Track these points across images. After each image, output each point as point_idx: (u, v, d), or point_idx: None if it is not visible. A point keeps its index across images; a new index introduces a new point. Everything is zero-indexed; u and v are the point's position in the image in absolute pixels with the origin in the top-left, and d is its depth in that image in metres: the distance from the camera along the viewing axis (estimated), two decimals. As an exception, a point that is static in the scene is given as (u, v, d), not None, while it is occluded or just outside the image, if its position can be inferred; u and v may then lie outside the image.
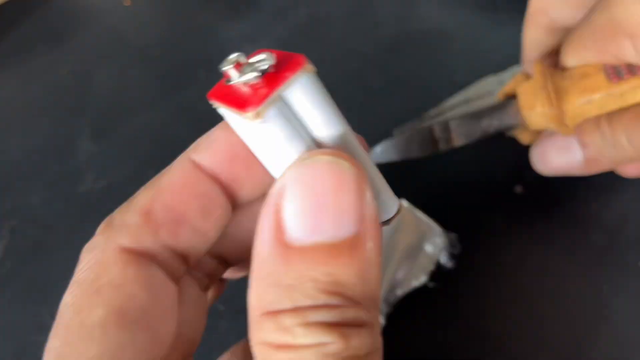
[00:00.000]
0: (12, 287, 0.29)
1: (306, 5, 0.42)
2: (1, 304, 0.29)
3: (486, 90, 0.33)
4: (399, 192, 0.15)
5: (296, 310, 0.11)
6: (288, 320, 0.11)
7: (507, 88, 0.26)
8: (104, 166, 0.34)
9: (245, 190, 0.16)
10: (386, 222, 0.15)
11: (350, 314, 0.11)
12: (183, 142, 0.38)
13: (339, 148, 0.13)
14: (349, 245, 0.12)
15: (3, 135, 0.36)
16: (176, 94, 0.37)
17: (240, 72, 0.13)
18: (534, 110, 0.23)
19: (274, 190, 0.12)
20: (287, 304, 0.11)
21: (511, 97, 0.25)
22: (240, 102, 0.12)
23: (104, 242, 0.14)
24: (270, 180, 0.14)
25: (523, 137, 0.27)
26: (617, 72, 0.22)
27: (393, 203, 0.15)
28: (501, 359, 0.24)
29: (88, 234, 0.32)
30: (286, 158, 0.13)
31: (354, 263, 0.12)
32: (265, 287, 0.12)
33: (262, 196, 0.16)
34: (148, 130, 0.35)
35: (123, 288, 0.13)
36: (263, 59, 0.12)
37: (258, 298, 0.12)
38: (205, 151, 0.15)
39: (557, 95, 0.23)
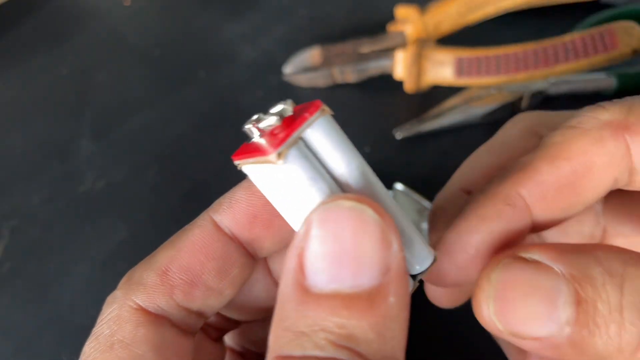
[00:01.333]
0: (12, 287, 0.29)
1: (306, 6, 0.42)
2: (1, 303, 0.29)
3: (486, 90, 0.33)
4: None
5: (304, 358, 0.11)
6: None
7: (398, 23, 0.36)
8: (104, 166, 0.34)
9: (264, 249, 0.16)
10: (416, 276, 0.14)
11: None
12: (183, 142, 0.38)
13: (363, 190, 0.13)
14: (368, 298, 0.11)
15: (3, 135, 0.36)
16: (176, 93, 0.37)
17: (260, 129, 0.13)
18: (402, 75, 0.34)
19: (300, 232, 0.12)
20: (297, 351, 0.11)
21: (394, 49, 0.34)
22: (262, 150, 0.13)
23: (121, 298, 0.15)
24: (289, 236, 0.14)
25: (405, 85, 0.35)
26: (461, 71, 0.33)
27: (426, 254, 0.14)
28: (502, 358, 0.24)
29: (88, 234, 0.32)
30: (309, 201, 0.13)
31: (371, 317, 0.11)
32: (281, 330, 0.12)
33: (276, 253, 0.17)
34: (148, 130, 0.35)
35: (132, 347, 0.14)
36: (283, 107, 0.13)
37: (274, 340, 0.12)
38: (226, 212, 0.15)
39: (418, 73, 0.33)
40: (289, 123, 0.13)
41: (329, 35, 0.39)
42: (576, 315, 0.12)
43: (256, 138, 0.13)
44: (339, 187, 0.13)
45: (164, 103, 0.37)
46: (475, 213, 0.15)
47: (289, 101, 0.13)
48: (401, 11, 0.36)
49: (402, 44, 0.35)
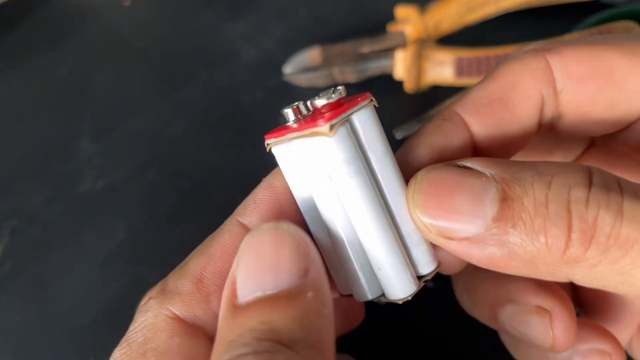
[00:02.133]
0: (12, 287, 0.29)
1: (306, 6, 0.42)
2: (1, 303, 0.29)
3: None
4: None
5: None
6: None
7: (398, 23, 0.36)
8: (104, 166, 0.34)
9: None
10: (421, 278, 0.15)
11: (281, 357, 0.11)
12: (183, 142, 0.38)
13: (388, 176, 0.14)
14: (288, 295, 0.12)
15: (3, 135, 0.36)
16: (176, 93, 0.37)
17: (297, 115, 0.14)
18: (402, 75, 0.34)
19: (233, 265, 0.13)
20: (225, 357, 0.12)
21: (394, 49, 0.35)
22: (308, 126, 0.13)
23: (156, 307, 0.15)
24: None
25: (405, 85, 0.35)
26: (461, 71, 0.33)
27: (430, 260, 0.15)
28: (502, 358, 0.24)
29: (88, 234, 0.32)
30: (343, 180, 0.13)
31: (292, 311, 0.12)
32: (216, 348, 0.12)
33: None
34: (148, 129, 0.35)
35: (166, 357, 0.14)
36: (338, 89, 0.14)
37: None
38: (252, 213, 0.15)
39: (418, 73, 0.34)
40: (336, 107, 0.14)
41: (329, 35, 0.39)
42: (501, 211, 0.12)
43: (291, 121, 0.14)
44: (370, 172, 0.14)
45: (164, 103, 0.37)
46: (417, 133, 0.16)
47: (343, 86, 0.14)
48: (401, 11, 0.36)
49: (402, 44, 0.35)
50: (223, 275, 0.15)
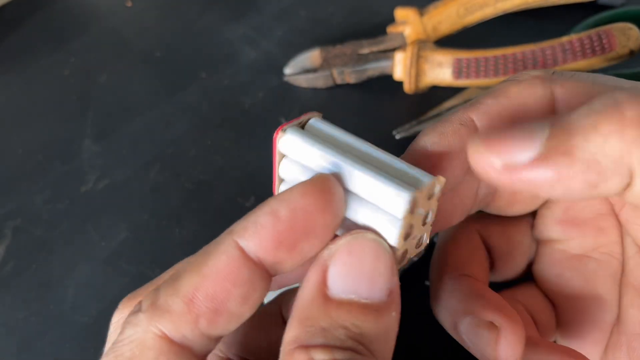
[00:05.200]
0: (14, 286, 0.29)
1: (306, 8, 0.42)
2: (4, 302, 0.29)
3: (485, 91, 0.33)
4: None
5: (326, 347, 0.13)
6: (318, 354, 0.13)
7: (398, 24, 0.36)
8: (106, 166, 0.34)
9: (281, 271, 0.17)
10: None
11: None
12: (184, 142, 0.38)
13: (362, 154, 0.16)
14: (377, 309, 0.14)
15: (6, 136, 0.36)
16: (178, 94, 0.37)
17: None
18: (402, 76, 0.35)
19: (324, 253, 0.15)
20: (320, 341, 0.14)
21: (393, 50, 0.35)
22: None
23: (146, 323, 0.15)
24: (307, 256, 0.16)
25: (404, 86, 0.35)
26: (459, 72, 0.33)
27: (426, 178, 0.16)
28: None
29: (90, 234, 0.33)
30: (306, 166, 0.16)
31: (379, 323, 0.14)
32: (303, 327, 0.14)
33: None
34: (150, 130, 0.36)
35: None
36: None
37: (295, 334, 0.14)
38: (252, 238, 0.15)
39: (417, 74, 0.34)
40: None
41: (329, 36, 0.39)
42: (554, 130, 0.14)
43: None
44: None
45: (165, 104, 0.37)
46: (436, 130, 0.18)
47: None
48: (400, 13, 0.36)
49: (401, 45, 0.35)
50: (214, 297, 0.15)
